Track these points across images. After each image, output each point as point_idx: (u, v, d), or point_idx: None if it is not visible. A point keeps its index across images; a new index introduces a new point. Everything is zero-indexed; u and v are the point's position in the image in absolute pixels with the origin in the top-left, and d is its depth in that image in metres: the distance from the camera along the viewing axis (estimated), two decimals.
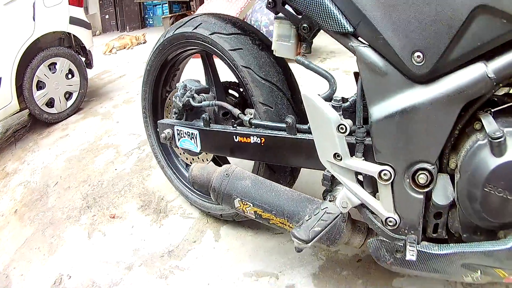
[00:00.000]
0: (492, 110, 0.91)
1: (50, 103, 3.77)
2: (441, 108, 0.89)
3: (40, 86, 3.67)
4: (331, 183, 1.21)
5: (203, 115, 1.54)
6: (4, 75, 3.28)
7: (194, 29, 1.57)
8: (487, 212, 0.90)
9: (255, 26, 4.43)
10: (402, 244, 1.06)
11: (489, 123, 0.87)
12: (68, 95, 3.93)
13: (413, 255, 0.99)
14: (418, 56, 0.89)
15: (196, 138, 1.60)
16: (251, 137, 1.38)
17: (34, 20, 3.52)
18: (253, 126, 1.41)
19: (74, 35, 3.97)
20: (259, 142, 1.36)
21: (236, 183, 1.30)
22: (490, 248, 0.91)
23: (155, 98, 2.03)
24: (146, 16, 11.63)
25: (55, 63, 3.77)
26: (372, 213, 1.10)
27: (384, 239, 1.09)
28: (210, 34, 1.51)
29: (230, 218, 1.82)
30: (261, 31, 4.26)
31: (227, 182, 1.31)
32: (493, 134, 0.84)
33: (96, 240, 1.99)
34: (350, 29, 1.01)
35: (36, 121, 3.88)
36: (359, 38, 1.02)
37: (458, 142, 0.96)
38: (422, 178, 0.97)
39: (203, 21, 1.57)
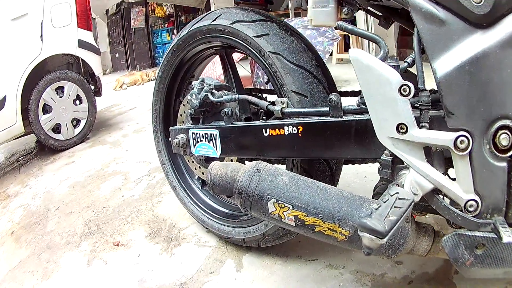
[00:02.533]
0: None
1: (57, 129, 3.69)
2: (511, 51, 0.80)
3: (47, 110, 3.60)
4: (392, 171, 0.97)
5: (225, 109, 1.33)
6: (9, 94, 3.22)
7: (213, 21, 1.45)
8: None
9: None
10: (484, 235, 0.88)
11: None
12: (75, 122, 3.86)
13: (510, 236, 0.82)
14: None
15: (215, 140, 1.38)
16: (286, 127, 1.16)
17: (41, 39, 3.50)
18: (287, 117, 1.19)
19: (82, 60, 3.94)
20: (295, 132, 1.14)
21: (270, 180, 1.05)
22: None
23: (167, 110, 1.85)
24: (156, 55, 11.83)
25: (63, 87, 3.71)
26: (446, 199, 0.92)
27: (463, 232, 0.90)
28: (232, 23, 1.38)
29: (255, 244, 1.56)
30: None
31: (258, 179, 1.06)
32: None
33: (96, 268, 1.75)
34: None
35: (42, 148, 3.82)
36: None
37: None
38: (504, 139, 0.83)
39: (223, 12, 1.46)
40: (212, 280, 1.53)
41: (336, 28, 1.06)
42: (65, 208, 2.39)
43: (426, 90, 0.90)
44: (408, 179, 0.91)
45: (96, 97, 4.06)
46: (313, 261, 1.53)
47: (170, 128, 1.59)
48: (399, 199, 0.86)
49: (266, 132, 1.20)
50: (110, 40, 12.44)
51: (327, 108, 1.09)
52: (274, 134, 1.18)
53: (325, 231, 0.99)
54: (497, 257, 0.88)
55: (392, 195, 0.87)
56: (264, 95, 1.60)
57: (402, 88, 0.87)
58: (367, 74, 0.91)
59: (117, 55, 12.31)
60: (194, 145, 1.47)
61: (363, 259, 1.49)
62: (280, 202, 1.02)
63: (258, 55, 1.32)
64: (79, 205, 2.36)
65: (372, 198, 1.08)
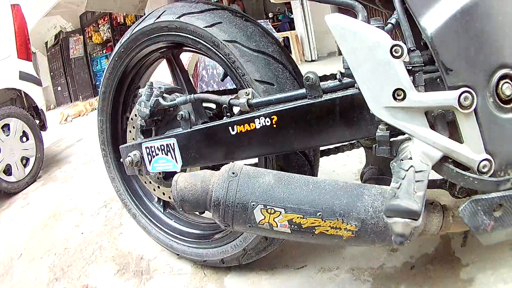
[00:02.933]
0: None
1: (8, 171, 3.42)
2: None
3: None
4: (391, 147, 0.84)
5: (181, 112, 1.15)
6: None
7: (157, 19, 1.31)
8: None
9: (210, 66, 4.31)
10: (502, 195, 0.82)
11: None
12: (25, 161, 3.62)
13: None
14: None
15: (174, 150, 1.19)
16: (256, 120, 0.99)
17: None
18: (255, 109, 1.03)
19: (25, 94, 3.74)
20: (269, 124, 0.98)
21: (252, 183, 0.89)
22: None
23: (115, 129, 1.65)
24: (97, 83, 11.61)
25: (8, 125, 3.47)
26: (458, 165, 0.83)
27: (479, 197, 0.82)
28: (178, 17, 1.24)
29: (235, 262, 1.38)
30: (218, 70, 4.11)
31: (237, 183, 0.89)
32: None
33: None
34: None
35: None
36: None
37: None
38: (507, 89, 0.79)
39: (167, 8, 1.32)
40: None
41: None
42: (27, 255, 2.16)
43: (416, 50, 0.82)
44: (415, 151, 0.78)
45: (42, 132, 3.85)
46: (303, 268, 1.37)
47: (120, 146, 1.38)
48: (417, 172, 0.74)
49: (233, 130, 1.03)
50: (52, 73, 12.29)
51: (302, 90, 0.95)
52: (243, 131, 1.02)
53: (327, 231, 0.84)
54: None
55: (407, 170, 0.75)
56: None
57: (394, 49, 0.77)
58: (351, 39, 0.80)
59: (59, 88, 12.13)
60: (150, 161, 1.28)
61: (355, 254, 1.36)
62: (268, 207, 0.86)
63: (211, 46, 1.17)
64: (40, 250, 2.14)
65: None
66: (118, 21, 10.70)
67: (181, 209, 0.97)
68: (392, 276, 1.24)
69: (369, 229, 0.83)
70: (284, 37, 8.44)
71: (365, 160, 1.18)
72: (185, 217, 1.62)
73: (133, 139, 1.50)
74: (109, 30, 10.84)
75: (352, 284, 1.25)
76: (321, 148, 1.28)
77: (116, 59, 1.47)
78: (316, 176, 1.23)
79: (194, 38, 1.21)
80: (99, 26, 11.12)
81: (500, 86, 0.79)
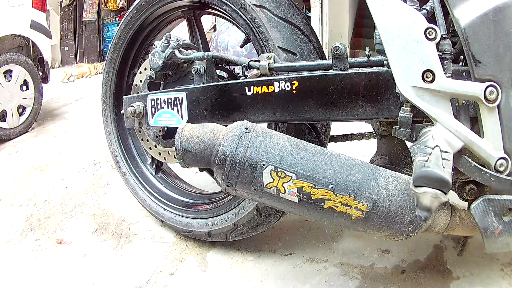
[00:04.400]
0: None
1: (2, 117, 3.41)
2: None
3: None
4: (412, 130, 0.84)
5: (196, 66, 1.14)
6: None
7: None
8: None
9: (221, 48, 4.30)
10: None
11: None
12: (21, 110, 3.59)
13: None
14: None
15: (181, 105, 1.18)
16: (276, 83, 0.98)
17: None
18: (275, 74, 1.01)
19: (33, 43, 3.70)
20: (288, 88, 0.97)
21: (265, 142, 0.87)
22: None
23: (120, 83, 1.63)
24: (105, 49, 11.33)
25: (11, 71, 3.44)
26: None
27: (492, 197, 0.84)
28: None
29: (223, 237, 1.36)
30: (229, 52, 4.11)
31: (249, 141, 0.87)
32: None
33: (38, 271, 1.47)
34: None
35: None
36: None
37: None
38: None
39: None
40: (173, 283, 1.31)
41: None
42: (6, 201, 2.13)
43: (448, 38, 0.83)
44: (437, 136, 0.78)
45: (43, 84, 3.82)
46: (290, 255, 1.36)
47: (124, 97, 1.37)
48: (442, 151, 0.75)
49: (249, 91, 1.02)
50: (61, 33, 12.00)
51: (329, 61, 0.94)
52: (260, 92, 1.01)
53: (337, 207, 0.83)
54: None
55: (433, 148, 0.76)
56: (231, 67, 1.44)
57: (428, 31, 0.80)
58: (387, 15, 0.82)
59: (66, 48, 11.88)
60: (153, 115, 1.26)
61: (347, 250, 1.36)
62: (279, 170, 0.84)
63: (237, 9, 1.16)
64: (21, 198, 2.12)
65: None
66: None
67: (181, 161, 0.95)
68: (381, 277, 1.23)
69: (380, 212, 0.83)
70: None
71: (365, 159, 1.18)
72: (176, 183, 1.61)
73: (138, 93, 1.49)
74: None
75: (340, 279, 1.24)
76: (330, 133, 1.27)
77: (135, 11, 1.45)
78: None
79: (220, 0, 1.20)
80: None
81: None
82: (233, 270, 1.33)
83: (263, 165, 0.85)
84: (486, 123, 0.82)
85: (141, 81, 1.45)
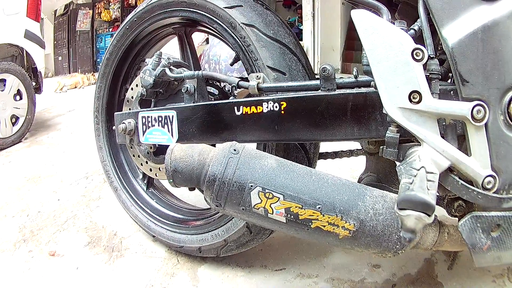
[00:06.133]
0: None
1: None
2: None
3: None
4: (399, 150, 0.84)
5: (186, 85, 1.13)
6: None
7: None
8: None
9: (213, 61, 4.31)
10: (501, 215, 0.84)
11: None
12: (14, 120, 3.56)
13: None
14: None
15: (171, 123, 1.17)
16: (265, 103, 0.98)
17: None
18: (264, 94, 1.01)
19: (27, 53, 3.69)
20: (277, 109, 0.96)
21: (253, 164, 0.87)
22: None
23: (112, 98, 1.62)
24: (98, 60, 11.38)
25: (5, 80, 3.43)
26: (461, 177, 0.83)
27: (480, 214, 0.84)
28: None
29: (213, 253, 1.35)
30: (221, 66, 4.11)
31: (237, 161, 0.86)
32: None
33: (30, 284, 1.44)
34: None
35: None
36: None
37: None
38: None
39: None
40: None
41: None
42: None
43: (435, 58, 0.82)
44: (423, 157, 0.77)
45: (36, 94, 3.80)
46: (281, 270, 1.35)
47: (116, 113, 1.35)
48: (428, 173, 0.74)
49: (238, 111, 1.01)
50: (55, 42, 12.00)
51: (316, 82, 0.94)
52: (249, 113, 1.00)
53: (324, 226, 0.82)
54: None
55: (419, 169, 0.75)
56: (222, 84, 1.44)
57: (415, 52, 0.79)
58: (374, 36, 0.81)
59: (60, 58, 11.87)
60: (144, 132, 1.25)
61: (337, 265, 1.35)
62: (267, 191, 0.84)
63: (227, 28, 1.16)
64: (14, 209, 2.09)
65: None
66: (130, 2, 10.70)
67: (171, 181, 0.95)
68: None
69: (367, 231, 0.82)
70: None
71: (355, 175, 1.18)
72: (167, 199, 1.59)
73: (129, 109, 1.48)
74: (119, 10, 10.83)
75: None
76: (319, 150, 1.27)
77: (127, 27, 1.45)
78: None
79: (211, 17, 1.20)
80: (110, 3, 11.10)
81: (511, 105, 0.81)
82: (224, 286, 1.31)
83: (251, 186, 0.85)
84: (473, 142, 0.81)
85: (132, 97, 1.44)
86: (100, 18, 11.28)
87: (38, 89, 3.86)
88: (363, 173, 1.12)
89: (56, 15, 12.11)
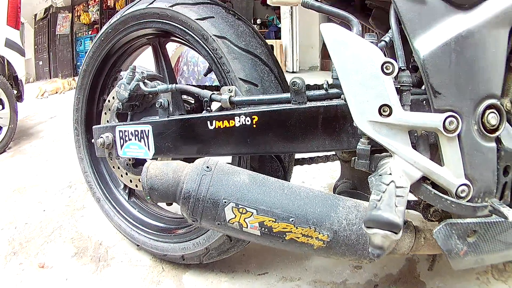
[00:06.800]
0: None
1: None
2: (493, 32, 0.80)
3: None
4: (370, 161, 0.82)
5: (160, 100, 1.09)
6: None
7: (149, 4, 1.25)
8: None
9: (191, 63, 4.25)
10: (476, 221, 0.82)
11: None
12: None
13: None
14: None
15: (147, 138, 1.13)
16: (237, 117, 0.94)
17: None
18: (236, 107, 0.98)
19: (7, 62, 3.57)
20: (249, 123, 0.93)
21: (226, 180, 0.84)
22: None
23: (90, 109, 1.57)
24: (78, 63, 11.24)
25: None
26: (436, 187, 0.82)
27: (455, 221, 0.82)
28: (171, 6, 1.19)
29: (196, 260, 1.31)
30: (199, 68, 4.05)
31: (210, 179, 0.84)
32: None
33: None
34: None
35: None
36: None
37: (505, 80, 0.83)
38: (493, 118, 0.80)
39: None
40: None
41: (302, 5, 0.89)
42: None
43: (406, 70, 0.80)
44: (395, 168, 0.75)
45: (17, 103, 3.66)
46: (264, 274, 1.32)
47: (94, 126, 1.31)
48: (397, 187, 0.73)
49: (211, 125, 0.98)
50: (36, 46, 11.84)
51: (287, 95, 0.91)
52: (222, 127, 0.97)
53: (298, 238, 0.80)
54: (489, 243, 0.84)
55: (388, 184, 0.73)
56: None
57: (385, 65, 0.75)
58: (343, 50, 0.78)
59: (40, 62, 11.71)
60: (122, 146, 1.21)
61: (319, 267, 1.32)
62: (240, 206, 0.82)
63: (200, 39, 1.12)
64: (1, 221, 2.05)
65: None
66: (108, 4, 10.52)
67: (148, 198, 0.91)
68: None
69: (341, 241, 0.81)
70: (270, 45, 8.52)
71: (335, 175, 1.16)
72: (149, 208, 1.55)
73: (107, 121, 1.43)
74: (98, 12, 10.66)
75: None
76: (296, 156, 1.25)
77: (102, 39, 1.40)
78: (289, 176, 1.20)
79: (183, 28, 1.16)
80: (89, 6, 10.91)
81: (486, 115, 0.79)
82: None
83: (225, 202, 0.82)
84: (446, 152, 0.80)
85: (109, 109, 1.39)
86: (79, 21, 11.12)
87: (19, 97, 3.74)
88: (338, 180, 1.10)
89: (36, 19, 11.89)
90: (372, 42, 0.78)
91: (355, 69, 0.77)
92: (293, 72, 8.48)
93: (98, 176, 1.58)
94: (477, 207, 0.80)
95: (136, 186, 1.38)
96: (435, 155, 0.81)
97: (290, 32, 8.28)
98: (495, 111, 0.80)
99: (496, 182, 0.83)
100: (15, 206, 2.19)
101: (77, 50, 11.22)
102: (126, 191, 1.56)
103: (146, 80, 1.17)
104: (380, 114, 0.75)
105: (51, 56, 11.38)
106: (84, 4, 11.03)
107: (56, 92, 7.43)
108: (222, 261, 1.36)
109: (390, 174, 0.75)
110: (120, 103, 1.22)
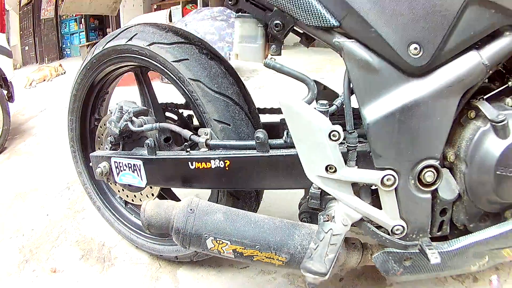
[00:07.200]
0: (484, 97, 0.91)
1: None
2: (442, 100, 0.85)
3: None
4: (321, 202, 0.98)
5: (147, 141, 1.21)
6: None
7: (128, 40, 1.30)
8: (500, 194, 0.89)
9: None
10: (411, 251, 0.95)
11: (488, 109, 0.87)
12: None
13: (437, 257, 0.89)
14: (415, 48, 0.83)
15: (139, 170, 1.26)
16: (212, 161, 1.09)
17: None
18: (212, 148, 1.12)
19: None
20: (222, 166, 1.08)
21: (205, 219, 1.00)
22: (500, 230, 0.91)
23: (83, 128, 1.67)
24: (64, 46, 11.09)
25: None
26: (375, 225, 0.96)
27: (391, 250, 0.96)
28: (149, 45, 1.25)
29: (188, 259, 1.49)
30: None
31: (194, 219, 1.00)
32: (496, 118, 0.84)
33: None
34: (335, 23, 0.86)
35: None
36: (345, 33, 0.88)
37: (452, 133, 0.92)
38: (429, 176, 0.88)
39: (139, 31, 1.31)
40: None
41: (264, 66, 1.00)
42: None
43: (354, 132, 0.90)
44: (337, 212, 0.92)
45: (9, 103, 3.63)
46: (245, 268, 1.51)
47: (91, 154, 1.42)
48: (333, 235, 0.88)
49: (192, 165, 1.12)
50: (21, 32, 11.36)
51: (253, 142, 1.04)
52: (200, 168, 1.11)
53: (263, 259, 0.98)
54: (424, 266, 0.95)
55: (326, 232, 0.89)
56: (180, 110, 1.53)
57: (332, 133, 0.86)
58: (297, 119, 0.89)
59: (26, 48, 11.31)
60: (118, 174, 1.34)
61: None
62: (217, 239, 0.99)
63: (177, 80, 1.21)
64: (9, 229, 2.13)
65: (299, 216, 1.11)
66: None
67: (148, 231, 1.08)
68: (322, 285, 1.32)
69: (297, 261, 0.96)
70: None
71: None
72: None
73: (101, 144, 1.55)
74: None
75: (287, 287, 1.39)
76: None
77: (88, 67, 1.47)
78: (261, 198, 1.36)
79: (162, 68, 1.23)
80: None
81: (423, 173, 0.88)
82: (200, 284, 1.47)
83: (206, 236, 0.99)
84: (384, 200, 0.91)
85: (102, 134, 1.51)
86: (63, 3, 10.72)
87: (10, 98, 3.70)
88: (302, 198, 1.25)
89: (21, 5, 11.37)
90: (322, 111, 0.87)
91: (306, 136, 0.88)
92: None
93: (96, 187, 1.71)
94: (408, 245, 0.93)
95: (132, 200, 1.53)
96: (376, 199, 0.94)
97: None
98: (433, 170, 0.88)
99: (431, 222, 0.93)
100: (19, 213, 2.27)
101: (62, 33, 10.95)
102: (123, 200, 1.70)
103: (133, 118, 1.28)
104: (327, 171, 0.89)
105: (36, 41, 11.03)
106: None
107: (44, 80, 7.27)
108: (210, 258, 1.52)
109: (333, 216, 0.91)
110: (112, 137, 1.33)
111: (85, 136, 1.67)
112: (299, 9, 0.88)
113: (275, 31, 0.94)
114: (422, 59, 0.83)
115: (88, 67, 1.48)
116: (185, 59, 1.20)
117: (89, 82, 1.53)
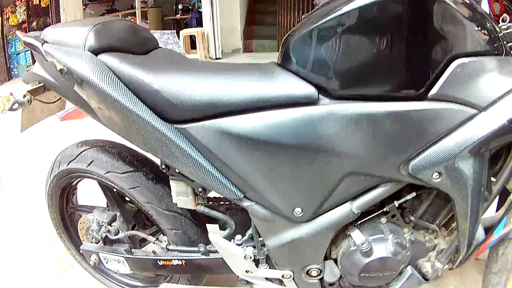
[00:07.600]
0: (358, 223, 1.14)
1: None
2: (320, 236, 1.12)
3: None
4: (247, 282, 1.48)
5: (124, 249, 1.64)
6: None
7: (88, 166, 1.50)
8: (364, 283, 1.20)
9: None
10: None
11: (357, 236, 1.11)
12: None
13: None
14: (298, 211, 1.07)
15: (124, 263, 1.68)
16: (173, 261, 1.55)
17: None
18: (171, 251, 1.58)
19: None
20: (180, 264, 1.54)
21: None
22: None
23: (63, 215, 1.98)
24: (12, 66, 10.34)
25: None
26: None
27: None
28: (106, 173, 1.47)
29: None
30: None
31: None
32: (361, 246, 1.10)
33: None
34: (241, 195, 1.10)
35: None
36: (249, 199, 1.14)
37: (336, 237, 1.18)
38: (315, 271, 1.22)
39: (94, 158, 1.50)
40: None
41: (198, 211, 1.33)
42: None
43: (262, 249, 1.24)
44: None
45: None
46: None
47: (81, 247, 1.75)
48: None
49: (160, 262, 1.56)
50: None
51: (197, 249, 1.51)
52: (166, 264, 1.56)
53: None
54: None
55: None
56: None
57: (245, 256, 1.25)
58: (223, 250, 1.28)
59: None
60: (107, 263, 1.73)
61: None
62: None
63: (136, 202, 1.54)
64: None
65: None
66: (34, 2, 9.49)
67: None
68: None
69: None
70: (191, 35, 8.24)
71: None
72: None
73: (83, 229, 1.90)
74: (25, 12, 9.62)
75: None
76: None
77: (55, 181, 1.72)
78: None
79: (122, 192, 1.50)
80: (16, 7, 9.70)
81: (310, 271, 1.22)
82: None
83: None
84: (287, 286, 1.29)
85: (83, 228, 1.91)
86: (8, 23, 9.73)
87: None
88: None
89: None
90: (238, 244, 1.27)
91: (231, 257, 1.30)
92: (216, 58, 8.22)
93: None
94: None
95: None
96: None
97: (211, 19, 7.90)
98: (316, 269, 1.20)
99: None
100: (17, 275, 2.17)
101: (9, 52, 10.14)
102: None
103: (109, 228, 1.72)
104: (246, 272, 1.29)
105: None
106: (12, 5, 9.58)
107: None
108: None
109: None
110: (96, 240, 1.76)
111: (65, 222, 2.02)
112: (214, 186, 1.10)
113: (200, 194, 1.25)
114: (304, 217, 1.08)
115: (57, 178, 1.73)
116: (137, 187, 1.45)
117: (60, 188, 1.81)
